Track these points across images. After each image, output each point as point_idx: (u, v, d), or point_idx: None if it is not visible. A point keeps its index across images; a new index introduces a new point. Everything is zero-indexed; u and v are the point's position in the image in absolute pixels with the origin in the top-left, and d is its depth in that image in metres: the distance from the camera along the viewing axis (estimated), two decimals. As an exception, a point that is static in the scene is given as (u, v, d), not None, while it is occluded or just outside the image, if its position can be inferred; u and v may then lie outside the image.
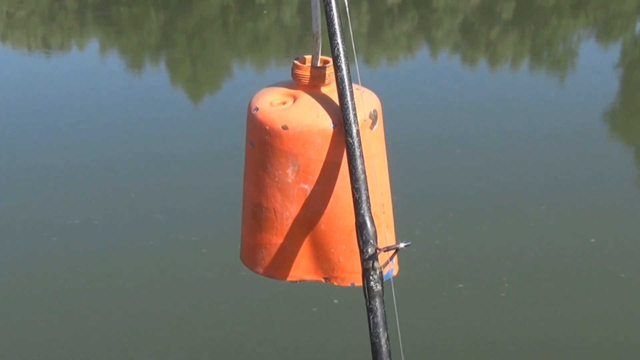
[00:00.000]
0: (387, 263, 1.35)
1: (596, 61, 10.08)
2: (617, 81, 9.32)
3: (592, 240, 4.98)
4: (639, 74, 9.74)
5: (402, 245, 1.35)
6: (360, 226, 1.35)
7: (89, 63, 10.55)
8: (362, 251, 1.35)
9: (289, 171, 1.44)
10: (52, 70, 10.28)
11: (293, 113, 1.43)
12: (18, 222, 5.36)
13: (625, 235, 5.07)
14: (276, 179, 1.45)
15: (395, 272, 1.50)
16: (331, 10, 1.39)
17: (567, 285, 4.49)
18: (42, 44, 12.12)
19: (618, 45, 11.42)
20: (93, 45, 12.10)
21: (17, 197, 5.81)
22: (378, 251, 1.34)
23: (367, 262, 1.34)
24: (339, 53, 1.39)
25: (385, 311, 1.34)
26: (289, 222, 1.47)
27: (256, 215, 1.50)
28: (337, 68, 1.39)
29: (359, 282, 1.37)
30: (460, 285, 4.50)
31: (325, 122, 1.42)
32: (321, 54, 1.47)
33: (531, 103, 7.94)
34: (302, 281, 1.52)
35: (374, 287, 1.34)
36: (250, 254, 1.55)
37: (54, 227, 5.27)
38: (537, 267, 4.70)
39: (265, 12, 13.24)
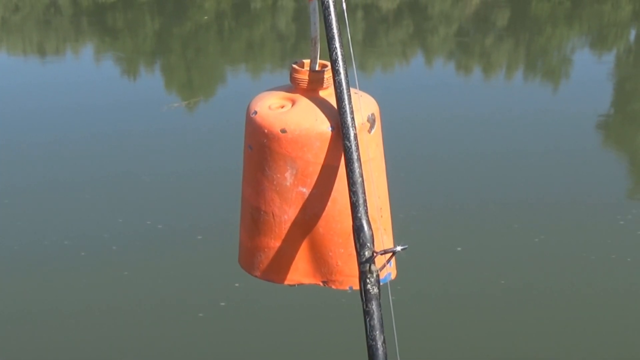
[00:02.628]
0: (384, 266, 1.36)
1: (590, 70, 10.12)
2: (611, 90, 9.35)
3: (591, 256, 5.00)
4: (633, 83, 9.77)
5: (399, 248, 1.36)
6: (357, 229, 1.35)
7: (84, 68, 10.55)
8: (359, 254, 1.35)
9: (287, 174, 1.44)
10: (46, 76, 10.27)
11: (291, 116, 1.44)
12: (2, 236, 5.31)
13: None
14: (274, 183, 1.46)
15: (393, 276, 1.51)
16: (329, 14, 1.40)
17: (591, 298, 4.49)
18: (37, 49, 12.12)
19: (612, 54, 11.47)
20: (88, 50, 12.10)
21: (9, 207, 5.78)
22: (375, 254, 1.34)
23: (364, 265, 1.34)
24: (337, 57, 1.40)
25: (382, 314, 1.34)
26: (287, 226, 1.47)
27: (255, 219, 1.51)
28: (335, 72, 1.40)
29: (357, 286, 1.37)
30: (457, 289, 4.51)
31: (323, 126, 1.42)
32: (319, 58, 1.48)
33: (525, 112, 7.96)
34: (300, 285, 1.53)
35: (371, 290, 1.34)
36: (248, 257, 1.55)
37: (44, 243, 5.22)
38: (534, 275, 4.70)
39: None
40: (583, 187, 5.99)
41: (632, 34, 12.76)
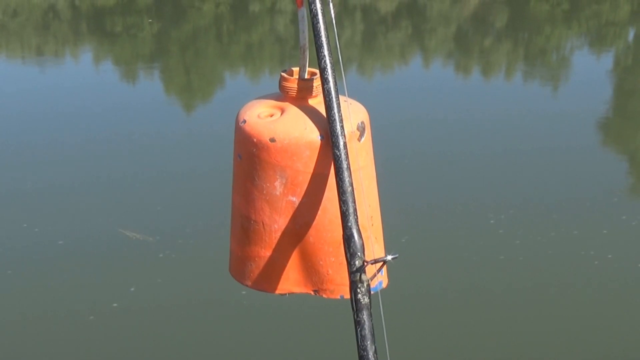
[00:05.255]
0: (374, 275, 1.35)
1: (589, 69, 10.12)
2: (609, 89, 9.34)
3: (592, 252, 4.98)
4: (632, 81, 9.76)
5: (389, 257, 1.35)
6: (347, 239, 1.35)
7: (83, 72, 10.55)
8: (349, 264, 1.34)
9: (277, 184, 1.44)
10: (45, 80, 10.27)
11: (280, 125, 1.43)
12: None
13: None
14: (264, 192, 1.45)
15: (384, 284, 1.50)
16: (318, 22, 1.39)
17: (580, 300, 4.45)
18: (36, 54, 12.12)
19: (611, 54, 11.46)
20: (87, 54, 12.10)
21: (7, 208, 5.79)
22: (365, 264, 1.34)
23: (355, 274, 1.34)
24: (326, 65, 1.39)
25: (373, 324, 1.33)
26: (278, 235, 1.46)
27: (245, 228, 1.50)
28: (324, 80, 1.39)
29: (348, 295, 1.37)
30: (449, 299, 4.48)
31: (312, 135, 1.41)
32: (309, 66, 1.47)
33: (524, 112, 7.95)
34: (291, 294, 1.52)
35: (362, 300, 1.33)
36: (238, 266, 1.55)
37: (51, 246, 5.22)
38: (527, 282, 4.66)
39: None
40: (583, 186, 5.98)
41: (631, 34, 12.75)
